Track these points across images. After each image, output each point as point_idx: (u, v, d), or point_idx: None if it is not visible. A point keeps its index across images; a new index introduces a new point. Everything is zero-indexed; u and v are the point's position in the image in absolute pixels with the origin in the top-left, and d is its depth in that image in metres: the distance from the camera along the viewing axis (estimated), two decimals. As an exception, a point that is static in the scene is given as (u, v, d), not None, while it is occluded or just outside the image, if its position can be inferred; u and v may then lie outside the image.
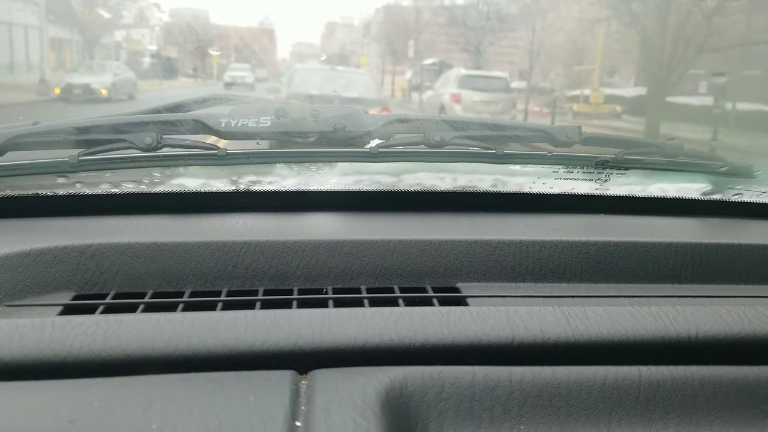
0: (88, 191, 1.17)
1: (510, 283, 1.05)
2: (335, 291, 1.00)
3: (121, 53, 24.95)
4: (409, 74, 28.49)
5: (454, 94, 15.56)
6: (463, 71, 17.61)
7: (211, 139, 1.25)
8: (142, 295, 0.95)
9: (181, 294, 0.96)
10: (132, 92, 17.77)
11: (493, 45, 25.09)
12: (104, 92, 16.06)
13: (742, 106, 12.34)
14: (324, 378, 0.72)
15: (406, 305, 0.93)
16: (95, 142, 1.18)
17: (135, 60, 24.66)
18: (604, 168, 1.32)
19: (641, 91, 17.63)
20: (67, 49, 23.09)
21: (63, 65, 20.69)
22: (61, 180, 1.19)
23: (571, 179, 1.34)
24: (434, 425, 0.72)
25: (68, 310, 0.90)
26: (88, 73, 17.72)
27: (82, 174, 1.20)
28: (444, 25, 27.20)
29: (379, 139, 1.28)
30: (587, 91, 18.98)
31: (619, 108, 17.94)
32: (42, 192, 1.15)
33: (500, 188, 1.35)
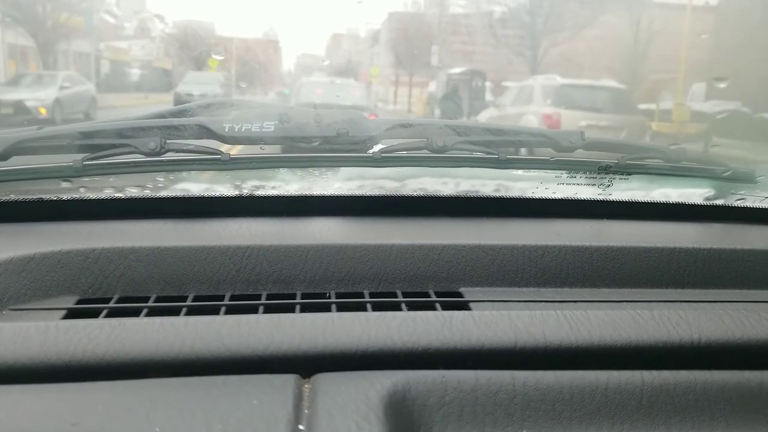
0: (91, 196, 1.18)
1: (513, 287, 1.05)
2: (338, 295, 1.00)
3: (103, 64, 22.51)
4: (433, 85, 23.82)
5: (547, 116, 10.24)
6: (559, 80, 11.85)
7: (215, 144, 1.26)
8: (146, 299, 0.95)
9: (184, 298, 0.96)
10: (89, 109, 14.25)
11: (549, 49, 20.33)
12: (43, 111, 12.50)
13: None
14: (327, 382, 0.73)
15: (409, 310, 0.93)
16: (99, 147, 1.18)
17: (122, 71, 22.81)
18: (606, 173, 1.32)
19: (728, 105, 12.41)
20: (32, 59, 19.50)
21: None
22: (65, 184, 1.20)
23: (573, 184, 1.34)
24: (437, 429, 0.72)
25: (72, 314, 0.90)
26: (33, 85, 13.95)
27: (86, 178, 1.20)
28: (476, 26, 23.51)
29: (382, 143, 1.28)
30: (666, 105, 13.48)
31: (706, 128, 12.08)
32: (46, 196, 1.15)
33: (503, 193, 1.35)
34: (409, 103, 26.29)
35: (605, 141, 1.44)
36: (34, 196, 1.15)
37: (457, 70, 19.53)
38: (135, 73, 23.85)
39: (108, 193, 1.20)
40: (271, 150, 1.31)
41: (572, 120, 9.85)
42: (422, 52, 25.86)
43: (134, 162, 1.20)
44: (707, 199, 1.40)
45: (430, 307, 0.96)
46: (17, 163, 1.19)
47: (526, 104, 11.24)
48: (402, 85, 29.13)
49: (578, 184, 1.34)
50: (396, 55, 29.14)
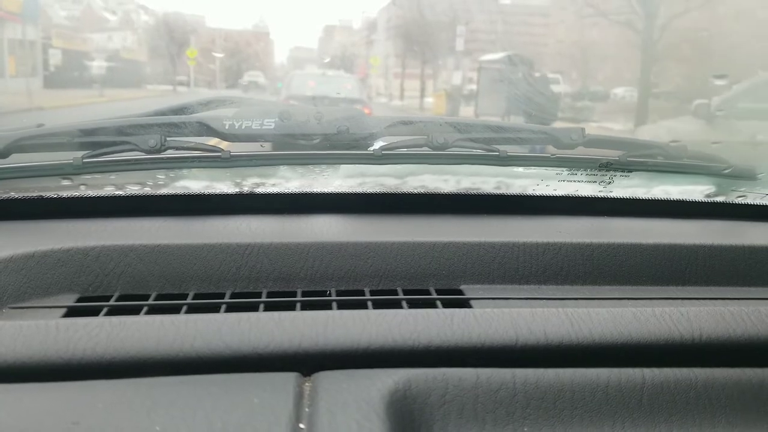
0: (91, 193, 1.18)
1: (513, 285, 1.05)
2: (339, 293, 1.00)
3: (53, 54, 18.53)
4: (458, 77, 19.23)
5: None
6: None
7: (215, 141, 1.26)
8: (146, 297, 0.95)
9: (184, 296, 0.96)
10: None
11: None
12: None
13: None
14: (328, 380, 0.73)
15: (410, 307, 0.93)
16: (99, 144, 1.18)
17: (79, 64, 19.09)
18: (607, 170, 1.32)
19: None
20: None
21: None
22: (65, 182, 1.19)
23: (574, 181, 1.33)
24: (438, 427, 0.72)
25: (72, 312, 0.90)
26: None
27: (86, 176, 1.20)
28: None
29: (383, 141, 1.28)
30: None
31: None
32: (46, 194, 1.15)
33: (504, 190, 1.35)
34: (421, 99, 21.75)
35: (606, 138, 1.44)
36: (34, 194, 1.15)
37: (491, 56, 14.31)
38: (97, 66, 20.06)
39: (108, 190, 1.20)
40: (271, 147, 1.31)
41: None
42: (437, 39, 20.80)
43: (134, 159, 1.20)
44: (708, 196, 1.39)
45: (430, 304, 0.96)
46: (17, 160, 1.19)
47: None
48: (411, 77, 24.62)
49: (579, 181, 1.33)
50: (404, 41, 24.22)
